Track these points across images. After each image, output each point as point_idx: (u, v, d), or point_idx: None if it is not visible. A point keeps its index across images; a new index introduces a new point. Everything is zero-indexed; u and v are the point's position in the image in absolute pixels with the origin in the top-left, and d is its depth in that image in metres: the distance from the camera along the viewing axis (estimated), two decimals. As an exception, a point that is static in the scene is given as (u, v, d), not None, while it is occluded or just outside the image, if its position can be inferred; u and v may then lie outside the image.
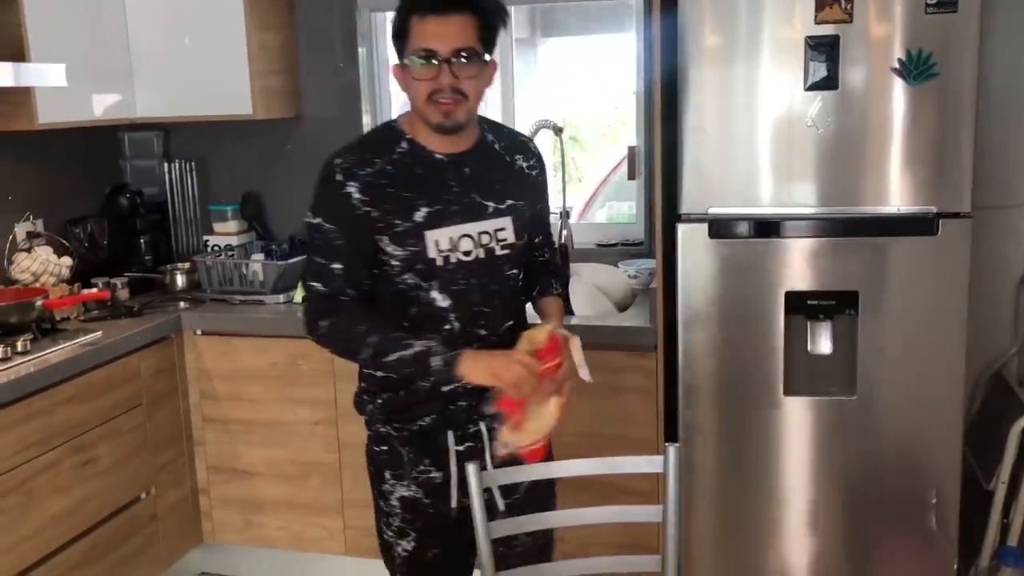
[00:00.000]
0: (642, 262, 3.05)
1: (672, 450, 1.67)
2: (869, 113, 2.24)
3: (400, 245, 1.81)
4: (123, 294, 3.02)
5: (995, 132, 2.61)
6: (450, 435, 1.86)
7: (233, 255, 3.17)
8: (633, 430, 2.59)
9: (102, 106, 2.93)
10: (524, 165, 1.96)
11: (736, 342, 2.40)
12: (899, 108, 2.22)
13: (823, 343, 2.37)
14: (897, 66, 2.19)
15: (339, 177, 1.80)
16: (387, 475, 1.93)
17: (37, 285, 2.82)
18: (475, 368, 1.76)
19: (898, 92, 2.21)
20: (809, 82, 2.25)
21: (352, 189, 1.79)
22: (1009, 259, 2.73)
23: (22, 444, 2.30)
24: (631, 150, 3.08)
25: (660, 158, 2.47)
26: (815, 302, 2.35)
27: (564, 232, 2.97)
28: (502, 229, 1.87)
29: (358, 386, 1.96)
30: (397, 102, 3.33)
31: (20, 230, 2.96)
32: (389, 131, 1.89)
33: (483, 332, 1.86)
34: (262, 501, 2.95)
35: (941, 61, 2.17)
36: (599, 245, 3.20)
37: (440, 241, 1.81)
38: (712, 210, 2.35)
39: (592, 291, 2.86)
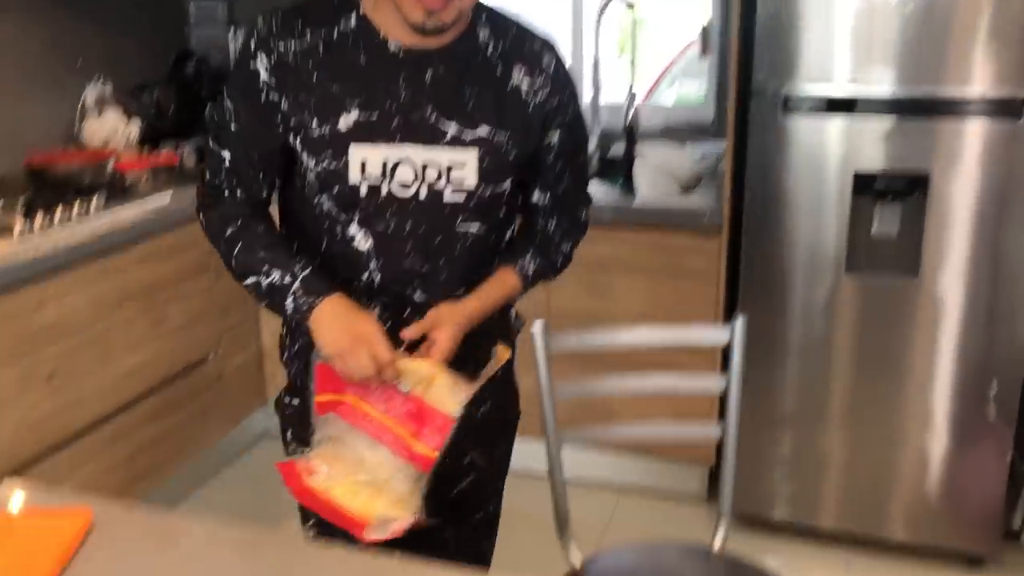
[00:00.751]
0: (709, 145, 3.00)
1: (740, 321, 1.68)
2: (961, -12, 2.15)
3: (315, 155, 1.40)
4: (190, 161, 3.06)
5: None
6: None
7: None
8: (692, 313, 2.60)
9: (168, -31, 2.91)
10: (524, 85, 1.44)
11: (801, 221, 2.38)
12: (993, -17, 2.12)
13: (889, 225, 2.34)
14: (995, -63, 2.09)
15: (252, 46, 1.40)
16: (288, 435, 1.59)
17: (107, 149, 2.86)
18: (322, 330, 1.37)
19: (994, -34, 2.11)
20: (899, -46, 2.16)
21: (260, 65, 1.39)
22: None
23: (99, 300, 2.38)
24: (704, 28, 2.99)
25: (737, 35, 2.40)
26: (884, 184, 2.31)
27: (631, 114, 2.92)
28: (460, 166, 1.41)
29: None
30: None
31: (90, 95, 2.99)
32: None
33: (418, 297, 1.46)
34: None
35: (1044, -67, 2.06)
36: (666, 128, 3.15)
37: (368, 161, 1.39)
38: (787, 89, 2.30)
39: (657, 172, 2.83)
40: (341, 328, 1.36)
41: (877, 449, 2.47)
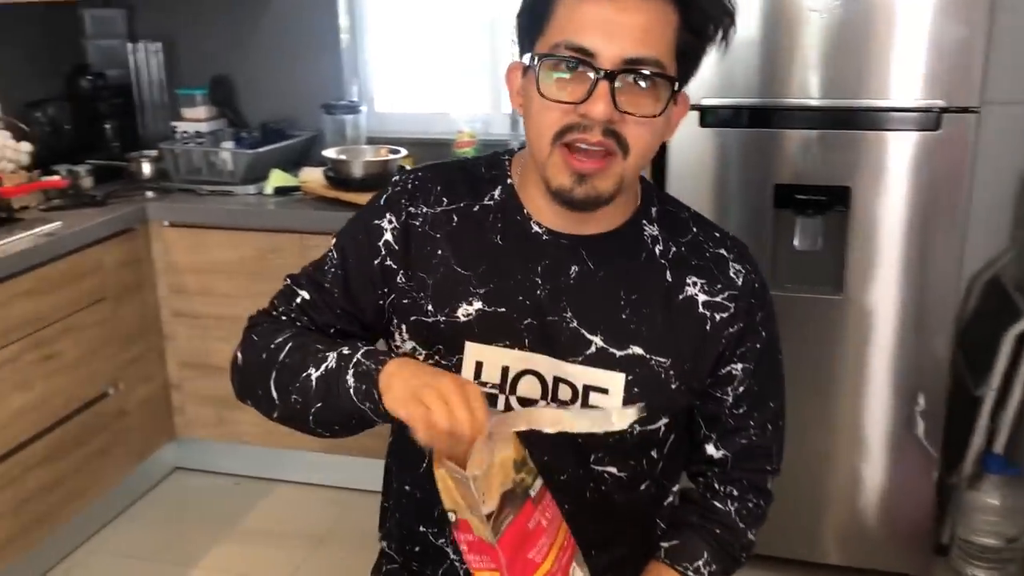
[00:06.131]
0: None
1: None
2: (877, -2, 2.09)
3: (423, 344, 1.15)
4: (86, 182, 2.87)
5: (1005, 21, 2.45)
6: None
7: (203, 142, 3.02)
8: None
9: (58, -21, 2.74)
10: (700, 297, 1.15)
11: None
12: (910, -8, 2.07)
13: (811, 239, 2.29)
14: (910, -55, 2.03)
15: (382, 200, 1.19)
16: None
17: (-8, 172, 2.68)
18: (393, 383, 1.01)
19: (909, -26, 2.06)
20: (814, -38, 2.09)
21: (387, 224, 1.17)
22: (1011, 158, 2.59)
23: (-23, 338, 2.22)
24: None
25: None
26: (804, 196, 2.25)
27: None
28: (602, 390, 1.12)
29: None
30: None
31: (-26, 113, 2.81)
32: (495, 166, 1.20)
33: None
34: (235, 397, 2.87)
35: (958, -60, 2.01)
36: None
37: (486, 365, 1.12)
38: (706, 100, 2.22)
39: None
40: (411, 375, 1.00)
41: (808, 471, 2.41)
